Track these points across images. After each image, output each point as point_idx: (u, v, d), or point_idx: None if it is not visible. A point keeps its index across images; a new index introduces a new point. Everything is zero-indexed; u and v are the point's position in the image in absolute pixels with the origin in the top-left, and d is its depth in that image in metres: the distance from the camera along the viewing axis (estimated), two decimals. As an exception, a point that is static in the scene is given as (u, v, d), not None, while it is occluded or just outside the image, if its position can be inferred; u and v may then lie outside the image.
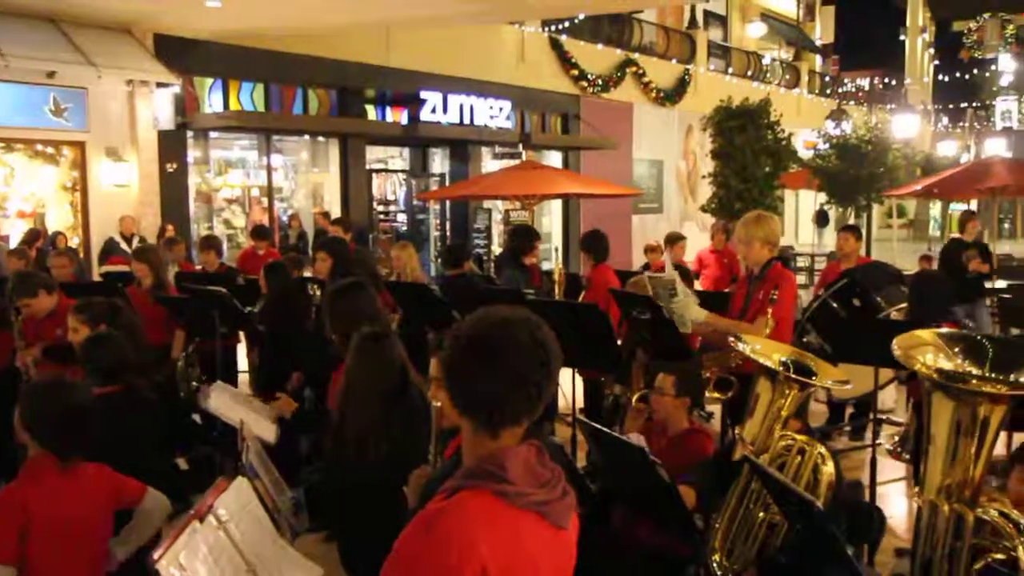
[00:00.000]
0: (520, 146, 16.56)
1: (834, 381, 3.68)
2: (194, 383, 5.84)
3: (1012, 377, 2.43)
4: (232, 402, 4.16)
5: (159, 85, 12.30)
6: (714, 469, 3.69)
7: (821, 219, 22.90)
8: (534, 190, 11.60)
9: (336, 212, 14.74)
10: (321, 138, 15.44)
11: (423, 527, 1.73)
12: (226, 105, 13.42)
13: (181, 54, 12.53)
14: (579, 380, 6.43)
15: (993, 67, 47.65)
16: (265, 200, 14.66)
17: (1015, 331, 10.52)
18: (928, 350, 2.62)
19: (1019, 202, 24.73)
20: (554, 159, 19.11)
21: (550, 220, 19.14)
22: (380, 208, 16.77)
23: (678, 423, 4.22)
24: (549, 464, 1.88)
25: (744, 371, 4.79)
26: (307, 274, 7.25)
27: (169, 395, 5.41)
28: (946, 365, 2.53)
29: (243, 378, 7.39)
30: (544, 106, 18.89)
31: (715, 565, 3.38)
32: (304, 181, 16.14)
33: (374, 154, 16.69)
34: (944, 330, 2.77)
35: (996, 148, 33.12)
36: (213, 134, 13.89)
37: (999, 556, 2.45)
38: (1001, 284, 11.94)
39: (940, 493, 2.48)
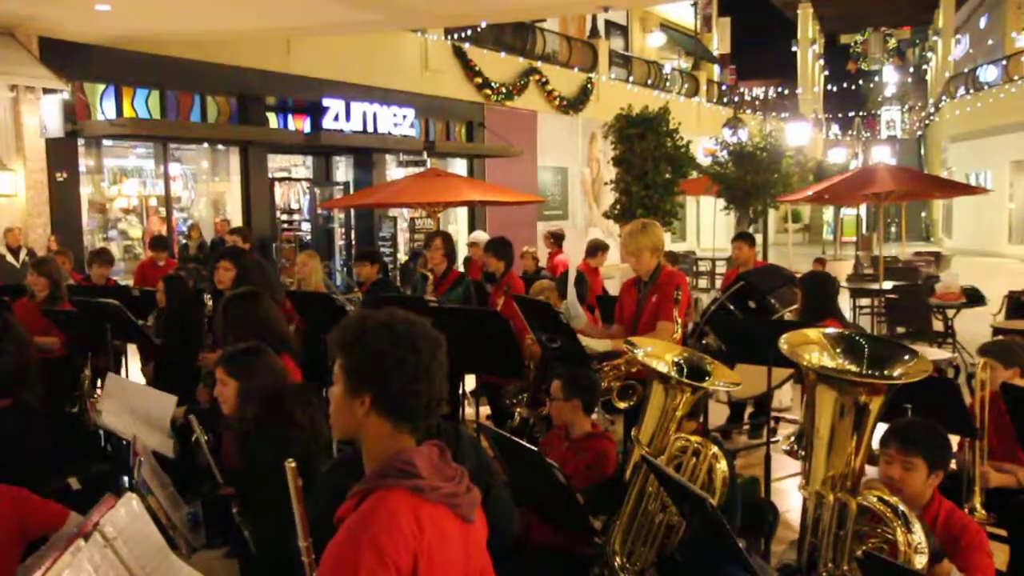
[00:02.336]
0: (424, 154, 16.53)
1: (724, 383, 3.76)
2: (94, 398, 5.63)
3: (886, 372, 2.56)
4: (127, 410, 4.01)
5: (46, 91, 11.82)
6: (608, 489, 3.74)
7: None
8: (439, 197, 11.56)
9: (238, 221, 14.43)
10: (221, 146, 15.09)
11: (354, 533, 1.76)
12: (119, 112, 12.99)
13: (70, 59, 12.07)
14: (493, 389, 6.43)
15: (877, 78, 49.91)
16: (163, 210, 14.24)
17: (901, 330, 11.01)
18: (813, 348, 2.74)
19: (904, 207, 25.84)
20: (459, 167, 19.13)
21: (456, 228, 19.13)
22: (284, 217, 16.48)
23: (579, 427, 4.26)
24: (452, 463, 1.95)
25: (643, 375, 4.88)
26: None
27: (61, 410, 5.21)
28: (828, 363, 2.64)
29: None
30: (448, 114, 18.90)
31: (616, 566, 3.43)
32: (204, 190, 15.75)
33: (276, 162, 16.42)
34: (829, 330, 2.88)
35: (882, 155, 34.58)
36: (107, 142, 13.43)
37: (878, 540, 2.56)
38: (888, 285, 12.47)
39: (825, 484, 2.58)
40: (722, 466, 3.34)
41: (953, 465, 4.76)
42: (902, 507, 2.56)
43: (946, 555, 2.72)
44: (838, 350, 2.69)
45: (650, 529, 3.39)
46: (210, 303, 5.71)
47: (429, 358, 1.92)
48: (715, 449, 3.41)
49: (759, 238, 23.40)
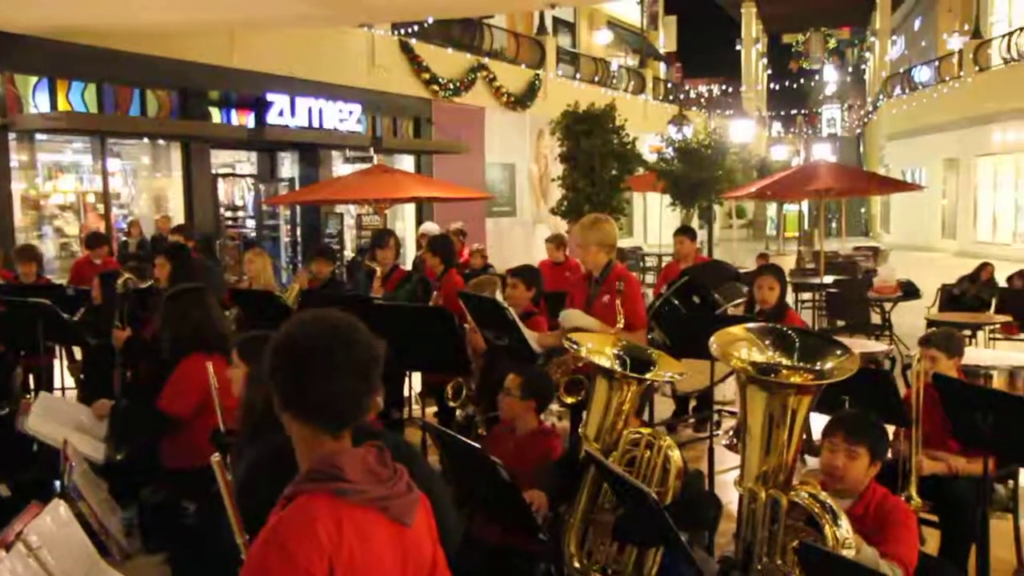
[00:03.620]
0: (371, 150, 16.39)
1: (670, 374, 3.77)
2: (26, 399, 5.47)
3: (817, 365, 2.59)
4: (58, 419, 3.90)
5: (-27, 83, 11.45)
6: (560, 471, 3.74)
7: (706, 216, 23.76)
8: (386, 194, 11.47)
9: (180, 218, 14.14)
10: (162, 141, 14.76)
11: (267, 539, 1.73)
12: (53, 106, 12.62)
13: (-1, 50, 11.70)
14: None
15: (818, 77, 50.81)
16: (101, 207, 13.88)
17: (841, 323, 11.22)
18: (743, 345, 2.76)
19: (844, 203, 26.41)
20: (406, 163, 18.99)
21: (404, 225, 19.02)
22: (228, 214, 16.21)
23: (526, 424, 4.26)
24: (390, 463, 1.90)
25: (590, 370, 4.90)
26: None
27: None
28: (759, 357, 2.67)
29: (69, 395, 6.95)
30: (395, 110, 18.76)
31: (576, 567, 3.41)
32: (146, 186, 15.40)
33: (220, 158, 16.12)
34: (754, 325, 2.91)
35: (823, 152, 35.33)
36: (40, 136, 13.04)
37: (809, 536, 2.59)
38: (828, 280, 12.70)
39: (758, 480, 2.61)
40: (676, 457, 3.35)
41: (890, 454, 4.88)
42: (830, 502, 2.61)
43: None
44: (767, 343, 2.71)
45: (608, 526, 3.38)
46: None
47: (343, 354, 1.87)
48: (668, 440, 3.43)
49: (704, 234, 23.75)
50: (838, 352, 2.68)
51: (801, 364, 2.62)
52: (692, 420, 7.66)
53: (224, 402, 3.79)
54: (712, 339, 2.83)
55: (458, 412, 5.48)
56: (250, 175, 16.86)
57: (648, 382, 3.74)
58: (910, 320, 10.88)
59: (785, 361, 2.63)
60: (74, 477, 2.95)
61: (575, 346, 3.81)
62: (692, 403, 7.71)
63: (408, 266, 9.53)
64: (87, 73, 12.93)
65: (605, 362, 3.58)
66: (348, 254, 15.88)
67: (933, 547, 4.23)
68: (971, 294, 10.87)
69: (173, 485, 3.90)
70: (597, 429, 3.55)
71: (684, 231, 8.37)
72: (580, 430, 3.68)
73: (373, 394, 1.91)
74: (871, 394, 4.34)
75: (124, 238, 13.89)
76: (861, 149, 43.35)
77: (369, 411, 1.92)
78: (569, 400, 4.90)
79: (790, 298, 11.60)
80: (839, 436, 3.14)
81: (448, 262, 6.83)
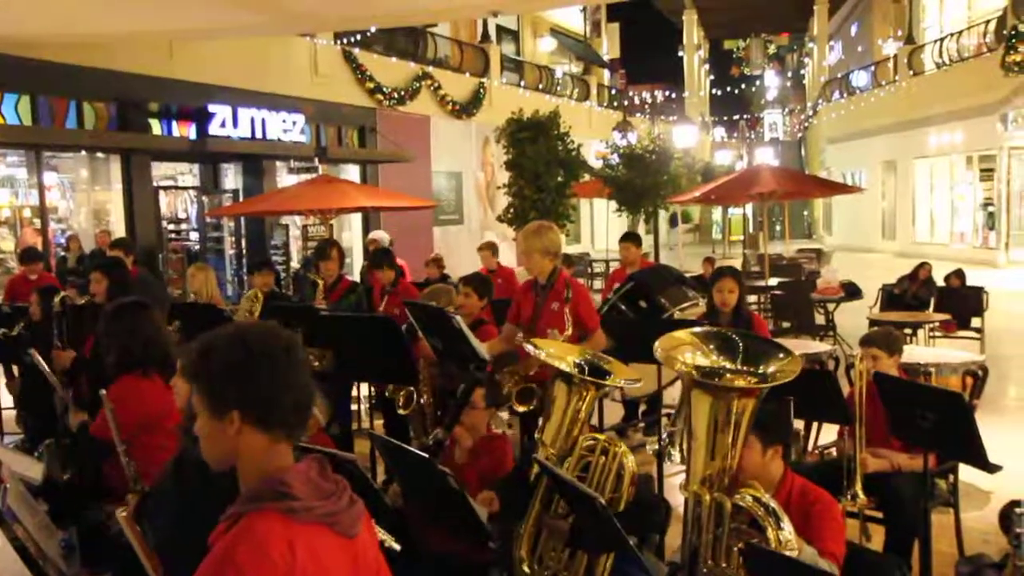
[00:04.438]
0: (316, 160, 16.26)
1: (627, 380, 3.81)
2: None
3: (761, 369, 2.64)
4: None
5: (-99, 97, 11.09)
6: (512, 486, 3.74)
7: (673, 220, 23.83)
8: (332, 204, 11.40)
9: (121, 232, 13.86)
10: (101, 154, 14.46)
11: (219, 562, 1.70)
12: (-14, 119, 12.31)
13: (-72, 62, 11.37)
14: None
15: (759, 83, 51.72)
16: (38, 221, 13.55)
17: (786, 324, 11.40)
18: (687, 349, 2.79)
19: (787, 206, 26.87)
20: (352, 173, 18.88)
21: (350, 235, 18.89)
22: (170, 227, 15.94)
23: (477, 431, 4.28)
24: (331, 476, 1.89)
25: (541, 378, 4.92)
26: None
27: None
28: (703, 361, 2.70)
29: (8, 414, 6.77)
30: (340, 119, 18.64)
31: (526, 572, 3.41)
32: (85, 200, 15.07)
33: (161, 170, 15.85)
34: (699, 329, 2.95)
35: (765, 156, 35.86)
36: (-27, 151, 12.71)
37: (753, 538, 2.63)
38: (773, 282, 12.90)
39: (703, 484, 2.64)
40: (631, 463, 3.39)
41: (835, 452, 4.96)
42: (773, 504, 2.64)
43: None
44: (711, 347, 2.75)
45: (560, 531, 3.39)
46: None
47: (286, 358, 1.86)
48: (623, 447, 3.46)
49: (650, 239, 23.99)
50: (781, 355, 2.72)
51: (745, 368, 2.66)
52: (641, 425, 7.70)
53: (164, 423, 3.72)
54: (657, 344, 2.85)
55: (434, 435, 5.46)
56: (193, 187, 16.61)
57: (605, 388, 3.77)
58: (853, 320, 11.10)
59: (729, 365, 2.67)
60: (8, 500, 2.86)
61: (536, 350, 3.83)
62: (641, 407, 7.75)
63: (357, 276, 9.48)
64: (20, 85, 12.62)
65: (565, 367, 3.60)
66: (295, 265, 15.72)
67: (878, 543, 4.32)
68: (911, 293, 11.13)
69: (115, 505, 3.81)
70: (554, 435, 3.56)
71: (629, 237, 8.44)
72: (537, 435, 3.69)
73: (312, 394, 1.92)
74: (816, 393, 4.42)
75: (63, 253, 13.57)
76: (803, 152, 44.17)
77: (302, 426, 1.90)
78: (521, 409, 4.91)
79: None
80: None
81: (398, 273, 6.82)
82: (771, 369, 2.65)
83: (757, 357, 2.68)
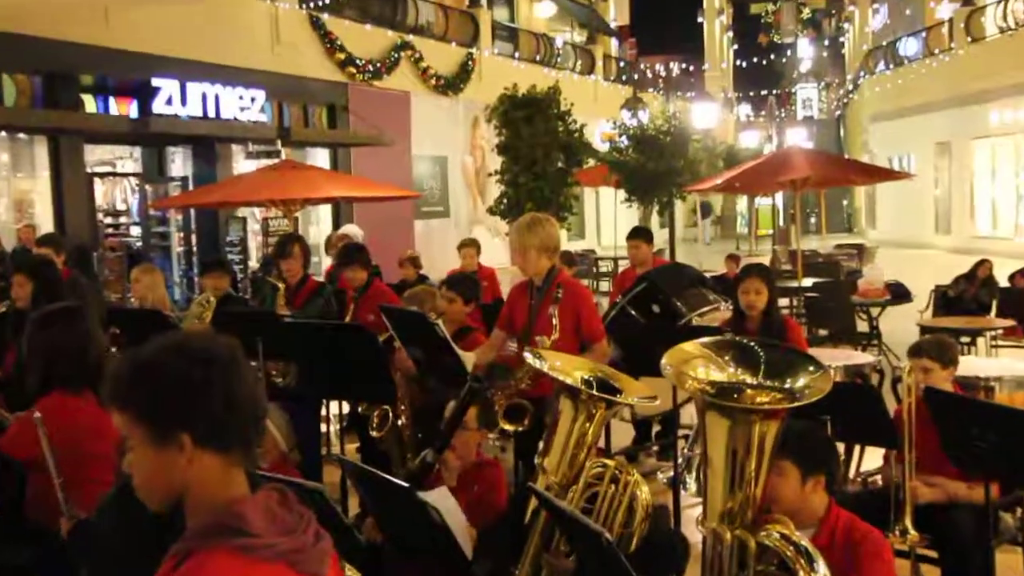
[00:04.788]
0: (278, 143, 16.25)
1: (640, 397, 3.81)
2: None
3: (787, 383, 2.63)
4: None
5: None
6: (508, 530, 3.74)
7: (704, 210, 23.83)
8: (296, 194, 11.39)
9: (48, 227, 13.82)
10: (23, 135, 14.43)
11: None
12: None
13: None
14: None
15: (791, 53, 51.78)
16: (-49, 214, 13.53)
17: (823, 332, 11.41)
18: (698, 363, 2.78)
19: (824, 195, 26.89)
20: (320, 158, 18.89)
21: (318, 230, 18.88)
22: (108, 220, 15.91)
23: (466, 456, 4.29)
24: (296, 508, 1.88)
25: (535, 394, 4.91)
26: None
27: None
28: (719, 376, 2.69)
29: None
30: (306, 96, 18.64)
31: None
32: (5, 189, 15.04)
33: (96, 155, 15.83)
34: (709, 339, 2.94)
35: (797, 138, 35.96)
36: None
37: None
38: (808, 283, 12.90)
39: (722, 519, 2.63)
40: (644, 494, 3.38)
41: (880, 481, 4.95)
42: (805, 543, 2.63)
43: None
44: (727, 359, 2.73)
45: (564, 572, 3.38)
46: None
47: (235, 367, 1.86)
48: (636, 475, 3.45)
49: (665, 234, 24.00)
50: (810, 367, 2.71)
51: (768, 383, 2.65)
52: (655, 448, 7.70)
53: (96, 448, 3.70)
54: (664, 359, 2.85)
55: (424, 456, 5.47)
56: (134, 174, 16.58)
57: (617, 406, 3.77)
58: (901, 327, 11.10)
59: (749, 380, 2.66)
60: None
61: (538, 362, 3.84)
62: (655, 428, 7.75)
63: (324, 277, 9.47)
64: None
65: (572, 382, 3.60)
66: (253, 265, 15.70)
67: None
68: (969, 295, 11.14)
69: (37, 544, 3.81)
70: (557, 460, 3.56)
71: (638, 233, 8.44)
72: (537, 460, 3.69)
73: (265, 406, 1.93)
74: (857, 413, 4.41)
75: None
76: (841, 133, 44.29)
77: (254, 449, 1.91)
78: (509, 428, 4.91)
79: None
80: None
81: (370, 274, 6.82)
82: (799, 384, 2.64)
83: (782, 370, 2.68)
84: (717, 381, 2.68)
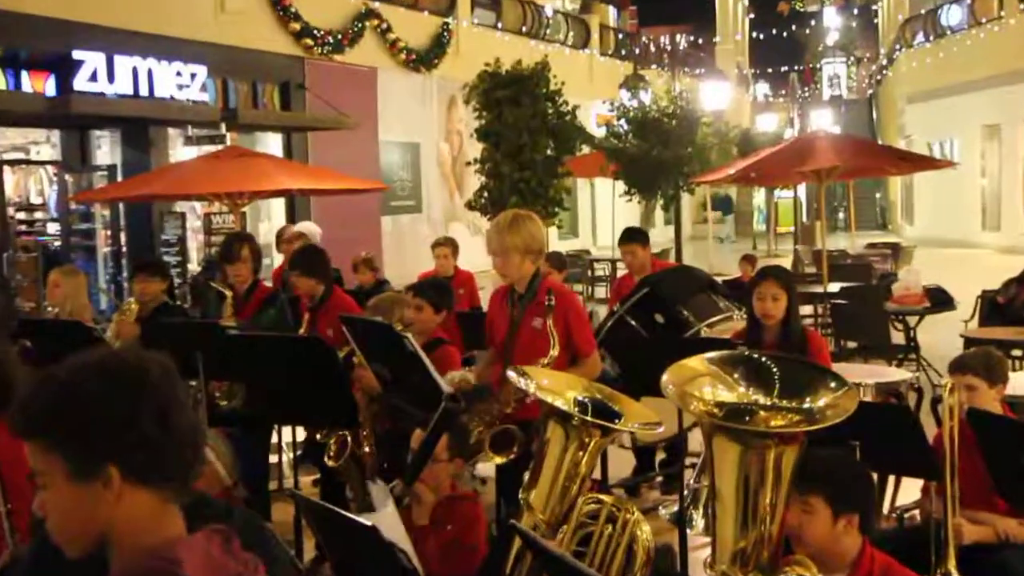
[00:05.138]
0: (223, 127, 16.20)
1: (642, 423, 3.81)
2: None
3: (806, 403, 2.63)
4: None
5: None
6: (489, 570, 3.75)
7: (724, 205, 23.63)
8: (244, 186, 11.38)
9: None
10: (-83, 116, 14.36)
11: None
12: None
13: None
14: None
15: (816, 23, 52.03)
16: None
17: (852, 344, 11.45)
18: (704, 382, 2.79)
19: (853, 187, 26.99)
20: (272, 144, 18.88)
21: (269, 226, 18.83)
22: (20, 216, 15.83)
23: (442, 490, 4.33)
24: (239, 553, 1.88)
25: (520, 418, 4.92)
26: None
27: None
28: (728, 396, 2.70)
29: None
30: (255, 72, 18.61)
31: None
32: None
33: (7, 139, 15.77)
34: (716, 354, 2.94)
35: (822, 121, 36.14)
36: None
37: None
38: (834, 288, 12.96)
39: (734, 561, 2.63)
40: (645, 535, 3.39)
41: (918, 516, 4.97)
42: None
43: None
44: (736, 376, 2.74)
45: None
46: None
47: (168, 387, 1.86)
48: (636, 513, 3.46)
49: (668, 232, 24.04)
50: (832, 384, 2.72)
51: (784, 403, 2.65)
52: (659, 479, 7.71)
53: (10, 477, 3.70)
54: (665, 378, 2.85)
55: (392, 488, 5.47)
56: (51, 162, 16.49)
57: (614, 433, 3.77)
58: (942, 338, 11.15)
59: (762, 400, 2.66)
60: None
61: (523, 381, 3.84)
62: (658, 455, 7.76)
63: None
64: None
65: (563, 405, 3.60)
66: (193, 268, 15.65)
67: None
68: (1020, 302, 11.19)
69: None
70: (546, 496, 3.56)
71: (631, 237, 8.45)
72: (522, 496, 3.69)
73: (201, 431, 1.95)
74: (891, 438, 4.43)
75: None
76: (874, 115, 44.48)
77: (200, 459, 1.93)
78: (498, 460, 4.92)
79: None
80: None
81: (327, 283, 6.82)
82: (819, 404, 2.65)
83: (800, 388, 2.68)
84: (726, 401, 2.69)
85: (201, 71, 16.46)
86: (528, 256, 5.19)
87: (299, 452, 7.56)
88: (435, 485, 4.27)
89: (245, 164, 11.74)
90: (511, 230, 5.19)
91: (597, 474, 5.75)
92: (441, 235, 11.67)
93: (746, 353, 2.89)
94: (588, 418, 3.56)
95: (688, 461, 7.06)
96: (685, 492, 5.69)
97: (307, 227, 11.23)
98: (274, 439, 7.22)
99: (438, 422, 4.10)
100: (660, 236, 30.82)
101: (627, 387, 5.15)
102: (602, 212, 30.03)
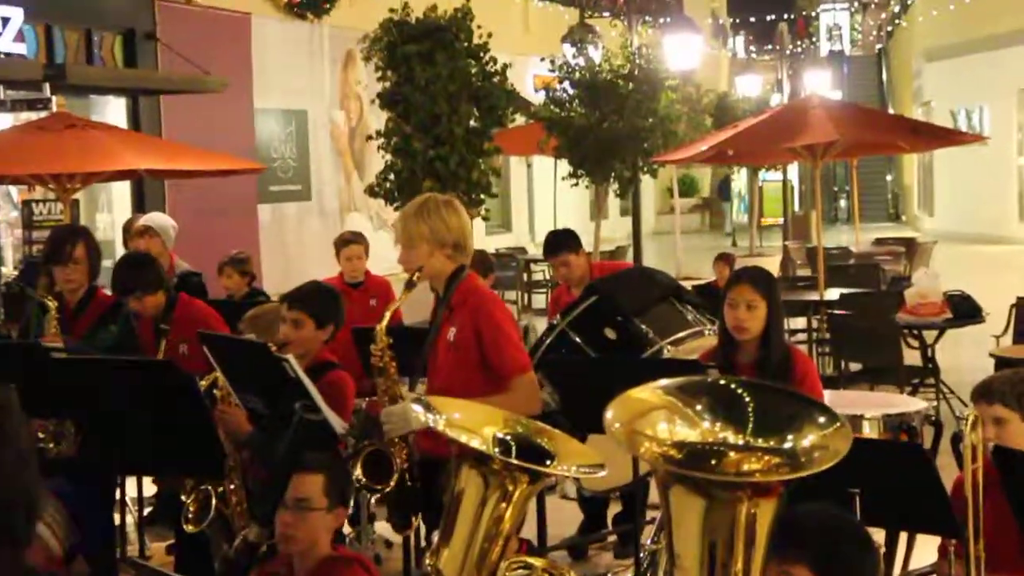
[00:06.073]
0: (46, 88, 16.01)
1: (582, 466, 3.83)
2: None
3: (787, 443, 2.66)
4: None
5: None
6: None
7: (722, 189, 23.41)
8: (75, 165, 11.28)
9: None
10: None
11: None
12: None
13: None
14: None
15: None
16: None
17: (856, 366, 11.59)
18: (658, 416, 2.81)
19: (858, 167, 27.27)
20: (112, 111, 18.71)
21: (110, 218, 18.67)
22: None
23: (319, 550, 4.31)
24: None
25: (434, 454, 4.94)
26: None
27: None
28: (689, 434, 2.72)
29: None
30: (90, 17, 18.42)
31: None
32: None
33: None
34: (671, 381, 2.97)
35: (820, 84, 36.42)
36: None
37: None
38: (833, 294, 13.08)
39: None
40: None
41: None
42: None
43: None
44: (699, 407, 2.76)
45: None
46: None
47: (12, 430, 1.91)
48: (576, 580, 3.49)
49: (625, 225, 24.07)
50: (820, 419, 2.75)
51: (759, 442, 2.67)
52: (611, 539, 7.76)
53: None
54: (608, 411, 2.88)
55: (243, 536, 5.45)
56: None
57: (545, 479, 3.79)
58: (967, 358, 11.31)
59: (732, 438, 2.68)
60: None
61: (428, 414, 3.84)
62: (613, 508, 7.81)
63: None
64: None
65: (477, 444, 3.61)
66: (8, 272, 15.46)
67: None
68: (1064, 313, 11.38)
69: None
70: (460, 559, 3.57)
71: (559, 245, 8.44)
72: (429, 561, 3.71)
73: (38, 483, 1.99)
74: (900, 485, 4.48)
75: None
76: (884, 77, 45.09)
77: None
78: (377, 488, 4.96)
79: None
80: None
81: (168, 293, 6.81)
82: (804, 443, 2.68)
83: (780, 423, 2.71)
84: (686, 441, 2.71)
85: (16, 15, 16.25)
86: (441, 249, 5.22)
87: (148, 511, 7.53)
88: (309, 540, 4.24)
89: (77, 137, 11.62)
90: (419, 216, 5.25)
91: (532, 532, 5.79)
92: (346, 230, 11.63)
93: (710, 380, 2.90)
94: (511, 460, 3.57)
95: (649, 515, 7.12)
96: (642, 555, 5.73)
97: (156, 219, 11.00)
98: (117, 495, 7.16)
99: (294, 437, 4.04)
100: (614, 230, 30.98)
101: (570, 422, 5.20)
102: (541, 200, 30.12)
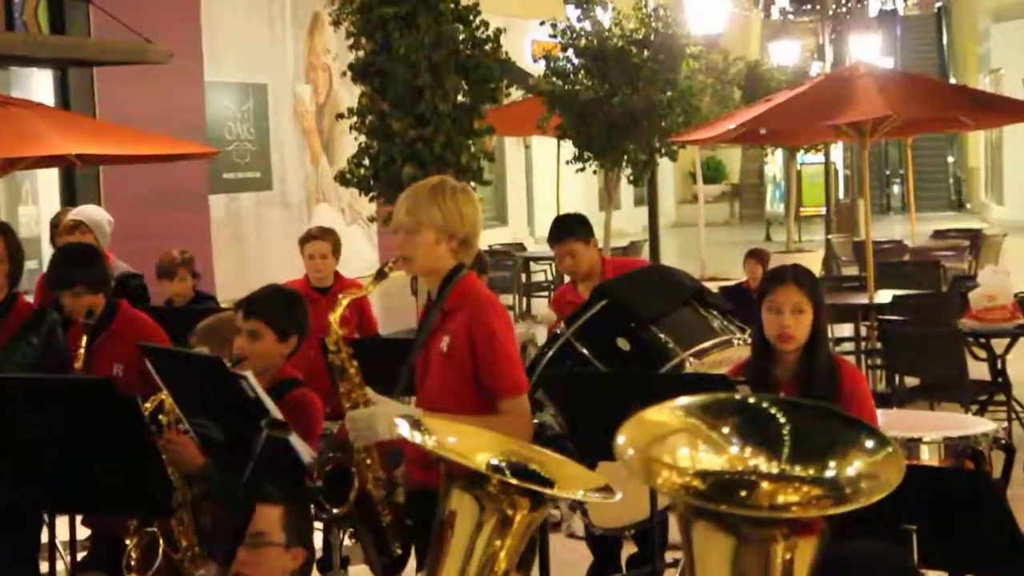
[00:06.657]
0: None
1: (590, 490, 3.84)
2: None
3: (829, 471, 2.65)
4: None
5: None
6: None
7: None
8: (-4, 151, 11.34)
9: None
10: None
11: None
12: None
13: None
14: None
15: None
16: None
17: (912, 380, 11.60)
18: (678, 441, 2.81)
19: (913, 148, 27.28)
20: (37, 85, 18.82)
21: (35, 211, 18.72)
22: None
23: None
24: None
25: (417, 482, 4.97)
26: None
27: None
28: (714, 463, 2.72)
29: None
30: (10, -25, 18.48)
31: None
32: None
33: None
34: (693, 400, 2.97)
35: (869, 51, 36.48)
36: None
37: None
38: (885, 296, 13.10)
39: None
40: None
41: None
42: None
43: None
44: (726, 430, 2.76)
45: None
46: None
47: None
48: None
49: (642, 215, 24.11)
50: (868, 443, 2.76)
51: (798, 470, 2.68)
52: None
53: None
54: (620, 436, 2.89)
55: None
56: None
57: (549, 504, 3.80)
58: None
59: (766, 467, 2.68)
60: None
61: (416, 434, 3.85)
62: (627, 549, 7.84)
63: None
64: None
65: (473, 465, 3.62)
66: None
67: None
68: None
69: None
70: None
71: (567, 230, 8.41)
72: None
73: None
74: (964, 520, 4.50)
75: None
76: (944, 41, 45.17)
77: None
78: (335, 510, 4.98)
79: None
80: None
81: (107, 297, 6.81)
82: (850, 472, 2.69)
83: (821, 449, 2.72)
84: (711, 470, 2.71)
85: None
86: (448, 241, 5.20)
87: (82, 556, 7.55)
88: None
89: (-2, 118, 11.66)
90: (431, 197, 5.19)
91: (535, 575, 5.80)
92: (314, 224, 11.63)
93: (741, 397, 2.90)
94: (511, 481, 3.57)
95: (669, 557, 7.14)
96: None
97: (89, 213, 10.99)
98: (44, 537, 7.17)
99: (260, 456, 4.05)
100: (628, 222, 31.04)
101: (577, 448, 5.21)
102: (541, 188, 30.21)
